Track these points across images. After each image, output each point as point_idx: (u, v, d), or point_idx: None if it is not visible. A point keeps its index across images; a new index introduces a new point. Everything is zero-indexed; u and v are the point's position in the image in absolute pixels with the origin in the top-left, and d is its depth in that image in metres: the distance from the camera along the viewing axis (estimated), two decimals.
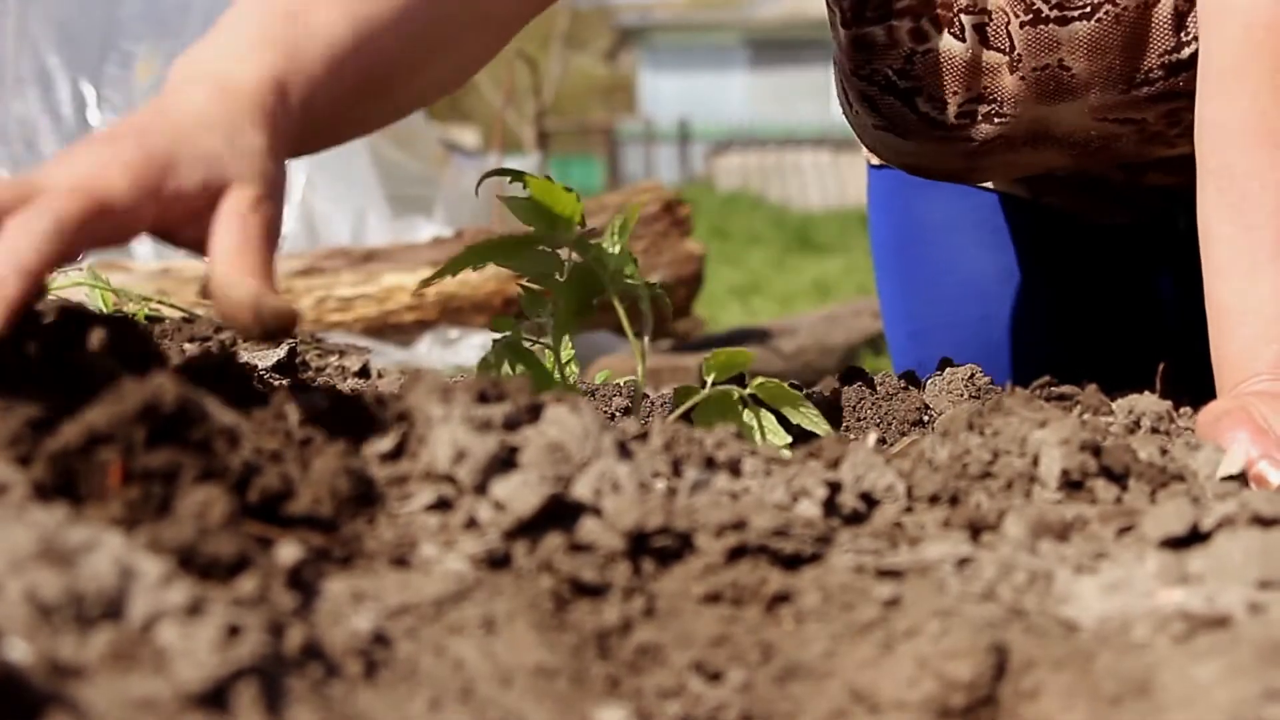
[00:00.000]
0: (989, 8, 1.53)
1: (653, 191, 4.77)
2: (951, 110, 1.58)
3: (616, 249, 1.12)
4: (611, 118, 26.54)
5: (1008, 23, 1.52)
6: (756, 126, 24.95)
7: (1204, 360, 1.30)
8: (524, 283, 1.20)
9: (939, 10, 1.54)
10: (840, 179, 20.17)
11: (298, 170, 5.17)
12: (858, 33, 1.58)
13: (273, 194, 0.89)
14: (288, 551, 0.63)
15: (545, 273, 1.13)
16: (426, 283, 1.16)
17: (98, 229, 0.80)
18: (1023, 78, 1.54)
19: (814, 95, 26.89)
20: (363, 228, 5.17)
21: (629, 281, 1.11)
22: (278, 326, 0.80)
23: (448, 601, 0.66)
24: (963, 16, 1.53)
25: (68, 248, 0.78)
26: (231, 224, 0.84)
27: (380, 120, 1.22)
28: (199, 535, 0.60)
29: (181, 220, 0.85)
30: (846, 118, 1.72)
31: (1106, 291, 1.97)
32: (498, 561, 0.70)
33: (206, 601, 0.55)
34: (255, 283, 0.80)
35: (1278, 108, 1.26)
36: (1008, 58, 1.54)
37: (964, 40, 1.54)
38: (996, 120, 1.58)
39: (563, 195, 1.06)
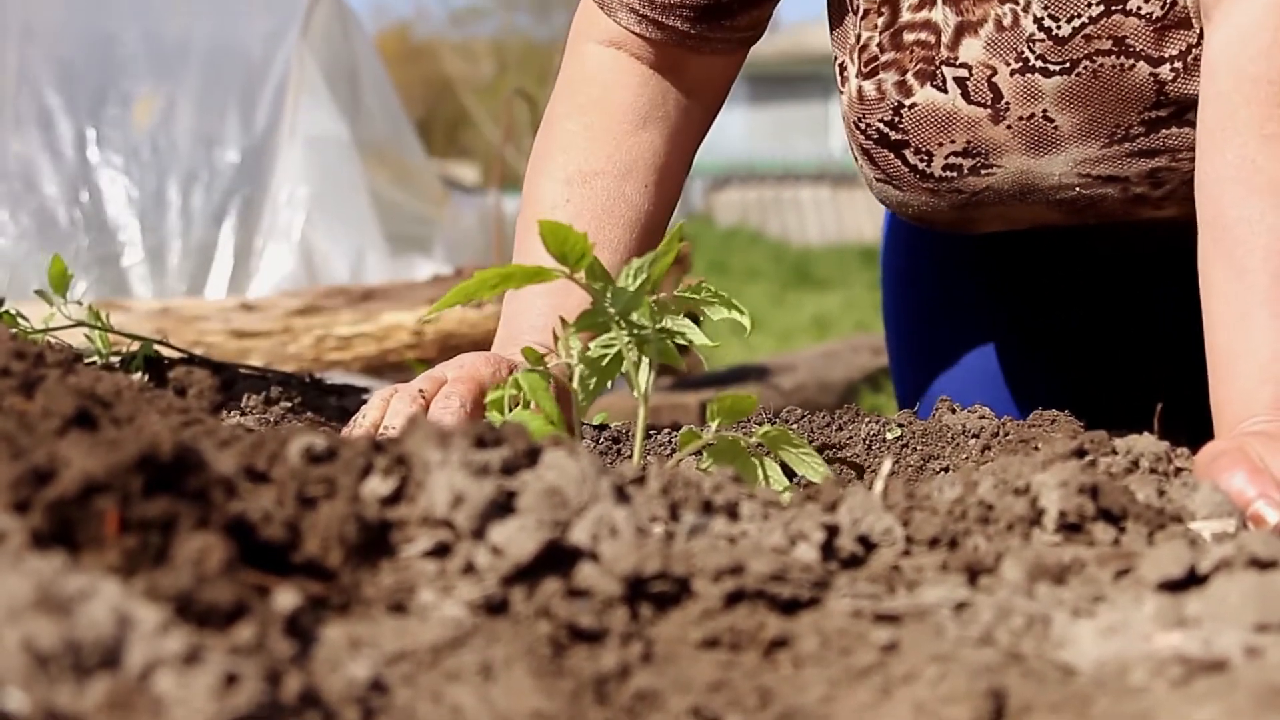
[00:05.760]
0: (969, 62, 1.56)
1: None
2: (938, 163, 1.61)
3: (633, 289, 1.12)
4: None
5: (989, 76, 1.56)
6: (755, 161, 24.99)
7: (1202, 396, 1.31)
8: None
9: (921, 65, 1.58)
10: (839, 214, 20.20)
11: (298, 210, 5.18)
12: (857, 85, 1.63)
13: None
14: (285, 599, 0.63)
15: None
16: (437, 310, 1.17)
17: (479, 398, 1.33)
18: (1009, 127, 1.57)
19: (813, 130, 26.95)
20: (362, 266, 5.17)
21: (637, 323, 1.11)
22: None
23: (445, 648, 0.66)
24: (944, 69, 1.57)
25: (467, 412, 1.32)
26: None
27: None
28: (196, 583, 0.60)
29: None
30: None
31: (1110, 328, 1.98)
32: (495, 607, 0.70)
33: (204, 649, 0.55)
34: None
35: (1266, 157, 1.28)
36: (988, 110, 1.57)
37: (946, 93, 1.57)
38: (983, 172, 1.60)
39: (572, 233, 1.06)
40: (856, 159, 1.71)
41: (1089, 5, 1.49)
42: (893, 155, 1.63)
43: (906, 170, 1.64)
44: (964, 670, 0.67)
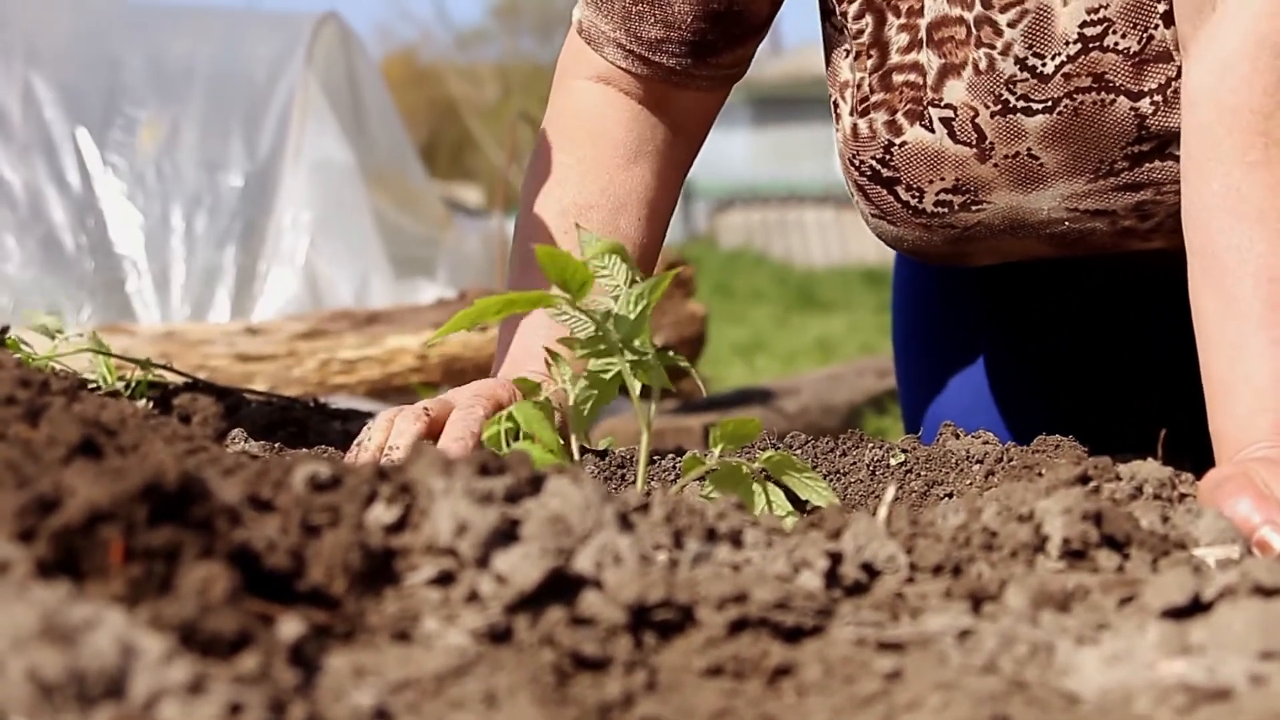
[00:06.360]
0: (953, 103, 1.57)
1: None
2: (929, 199, 1.64)
3: (632, 316, 1.12)
4: None
5: (973, 117, 1.58)
6: (759, 184, 24.96)
7: (1198, 421, 1.32)
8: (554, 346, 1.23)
9: (910, 105, 1.59)
10: (843, 236, 20.21)
11: (302, 234, 5.19)
12: (850, 123, 1.66)
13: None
14: (289, 628, 0.63)
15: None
16: (439, 336, 1.18)
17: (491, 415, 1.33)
18: (995, 165, 1.59)
19: (816, 152, 26.93)
20: (366, 290, 5.17)
21: (639, 349, 1.12)
22: None
23: (449, 676, 0.66)
24: (931, 109, 1.59)
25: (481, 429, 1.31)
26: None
27: None
28: (200, 612, 0.61)
29: None
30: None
31: (1102, 353, 1.98)
32: (499, 635, 0.70)
33: (208, 679, 0.55)
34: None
35: (1251, 185, 1.29)
36: (974, 150, 1.58)
37: (933, 132, 1.59)
38: (973, 208, 1.62)
39: (571, 261, 1.07)
40: (852, 194, 1.73)
41: (1067, 44, 1.51)
42: (886, 192, 1.65)
43: (899, 206, 1.66)
44: (968, 698, 0.67)
